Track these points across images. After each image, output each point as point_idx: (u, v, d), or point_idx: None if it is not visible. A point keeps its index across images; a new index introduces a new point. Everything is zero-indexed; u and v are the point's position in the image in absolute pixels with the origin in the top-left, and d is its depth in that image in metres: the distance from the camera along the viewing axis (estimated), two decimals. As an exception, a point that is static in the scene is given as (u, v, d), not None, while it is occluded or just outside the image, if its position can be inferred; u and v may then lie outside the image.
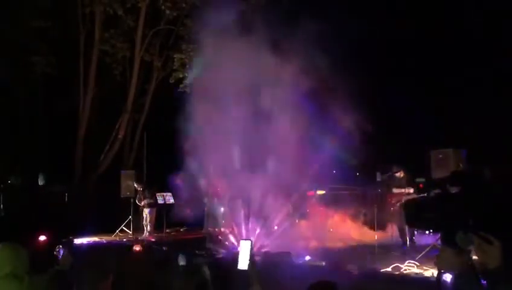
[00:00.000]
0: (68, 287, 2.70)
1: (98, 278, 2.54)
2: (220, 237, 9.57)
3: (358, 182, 11.68)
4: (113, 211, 12.29)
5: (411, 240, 8.56)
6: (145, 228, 11.44)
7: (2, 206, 12.04)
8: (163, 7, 14.59)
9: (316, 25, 8.62)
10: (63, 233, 10.36)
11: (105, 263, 2.65)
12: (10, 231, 8.42)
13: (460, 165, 8.26)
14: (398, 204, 8.77)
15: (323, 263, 7.55)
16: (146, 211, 11.46)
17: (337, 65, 8.75)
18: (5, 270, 2.88)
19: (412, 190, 8.81)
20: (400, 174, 9.01)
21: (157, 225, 11.63)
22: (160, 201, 11.55)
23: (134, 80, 15.65)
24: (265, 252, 7.79)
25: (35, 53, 13.83)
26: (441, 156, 8.64)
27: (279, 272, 6.66)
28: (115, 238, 11.37)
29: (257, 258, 7.84)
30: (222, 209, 10.49)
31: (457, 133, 11.13)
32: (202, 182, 10.63)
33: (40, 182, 12.70)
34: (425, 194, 8.04)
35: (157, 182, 12.24)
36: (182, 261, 4.79)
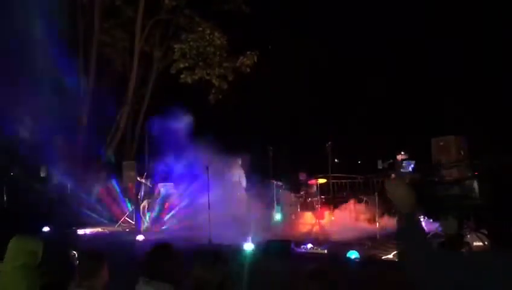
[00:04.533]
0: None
1: (95, 266, 2.56)
2: None
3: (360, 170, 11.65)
4: (115, 202, 12.34)
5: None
6: (144, 218, 11.47)
7: (5, 198, 12.10)
8: None
9: None
10: (65, 224, 10.45)
11: (102, 252, 2.68)
12: (14, 223, 8.49)
13: (462, 152, 8.21)
14: None
15: (325, 251, 7.58)
16: (147, 201, 11.49)
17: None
18: (19, 261, 2.93)
19: None
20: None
21: (159, 215, 11.66)
22: (161, 192, 11.57)
23: (134, 71, 15.55)
24: (267, 240, 7.80)
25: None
26: (442, 143, 8.59)
27: (280, 260, 6.69)
28: (117, 229, 11.43)
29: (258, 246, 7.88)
30: None
31: (459, 120, 11.07)
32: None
33: (42, 174, 12.71)
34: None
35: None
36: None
